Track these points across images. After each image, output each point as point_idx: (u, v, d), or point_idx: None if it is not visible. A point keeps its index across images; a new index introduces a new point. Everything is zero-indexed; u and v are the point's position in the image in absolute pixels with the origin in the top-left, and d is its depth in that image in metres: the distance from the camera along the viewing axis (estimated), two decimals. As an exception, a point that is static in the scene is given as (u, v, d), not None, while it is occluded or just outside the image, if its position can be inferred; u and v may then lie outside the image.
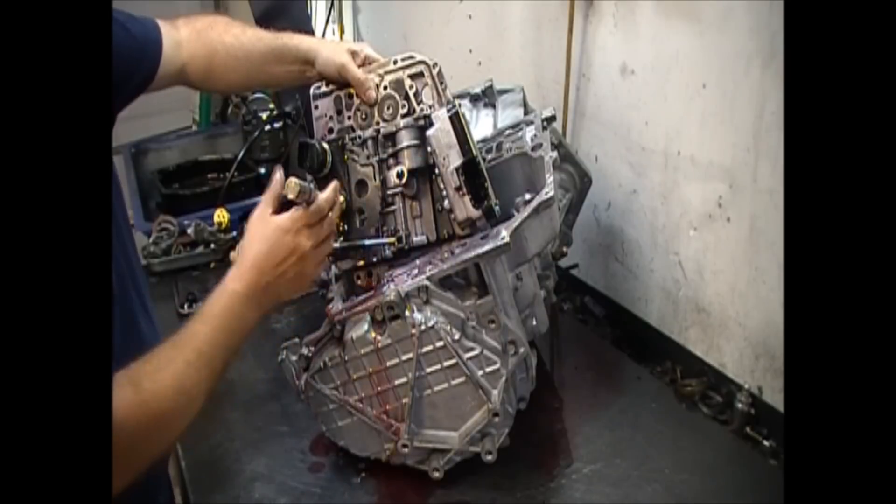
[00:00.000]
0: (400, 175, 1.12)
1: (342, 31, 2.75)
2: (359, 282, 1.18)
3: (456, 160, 1.07)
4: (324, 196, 0.98)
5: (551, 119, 1.28)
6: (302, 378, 1.13)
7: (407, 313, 1.05)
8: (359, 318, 1.08)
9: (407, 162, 1.13)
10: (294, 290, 0.99)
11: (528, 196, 1.13)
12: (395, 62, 1.16)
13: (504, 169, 1.20)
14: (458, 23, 1.96)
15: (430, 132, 1.09)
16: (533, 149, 1.18)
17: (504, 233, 1.02)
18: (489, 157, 1.23)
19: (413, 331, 1.04)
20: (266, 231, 0.94)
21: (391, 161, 1.15)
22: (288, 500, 1.13)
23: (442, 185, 1.10)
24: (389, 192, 1.15)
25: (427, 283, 1.04)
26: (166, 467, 1.19)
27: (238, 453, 1.22)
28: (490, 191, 1.08)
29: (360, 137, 1.16)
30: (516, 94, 1.49)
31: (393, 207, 1.16)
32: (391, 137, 1.15)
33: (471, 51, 1.93)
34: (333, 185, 1.02)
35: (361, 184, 1.15)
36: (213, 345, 0.88)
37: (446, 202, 1.09)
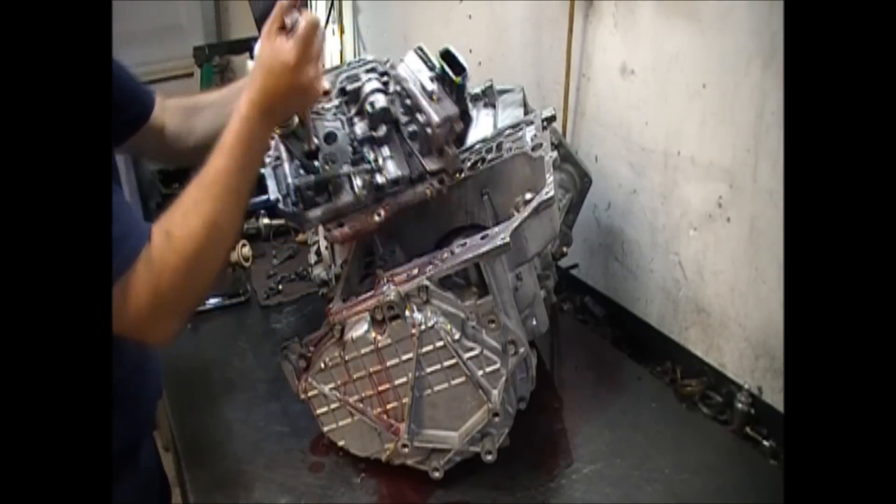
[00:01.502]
0: (370, 113, 1.13)
1: (342, 31, 2.75)
2: (335, 232, 1.13)
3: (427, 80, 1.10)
4: (308, 18, 0.98)
5: (551, 119, 1.28)
6: (302, 378, 1.13)
7: (407, 313, 1.05)
8: (359, 318, 1.08)
9: (374, 104, 1.13)
10: (301, 104, 1.02)
11: (528, 196, 1.13)
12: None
13: (504, 169, 1.20)
14: (458, 23, 1.96)
15: (398, 69, 1.13)
16: (533, 149, 1.18)
17: (504, 233, 1.02)
18: (489, 157, 1.23)
19: (413, 331, 1.04)
20: (271, 52, 0.96)
21: (356, 119, 1.16)
22: (288, 500, 1.13)
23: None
24: (358, 139, 1.14)
25: (427, 283, 1.04)
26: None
27: (238, 453, 1.22)
28: (468, 102, 1.13)
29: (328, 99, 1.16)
30: (516, 94, 1.49)
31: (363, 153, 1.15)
32: (356, 92, 1.16)
33: (471, 51, 1.92)
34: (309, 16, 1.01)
35: (330, 136, 1.13)
36: (235, 174, 0.94)
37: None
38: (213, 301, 1.66)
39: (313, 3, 2.75)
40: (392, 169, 1.13)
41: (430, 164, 1.13)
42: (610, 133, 1.52)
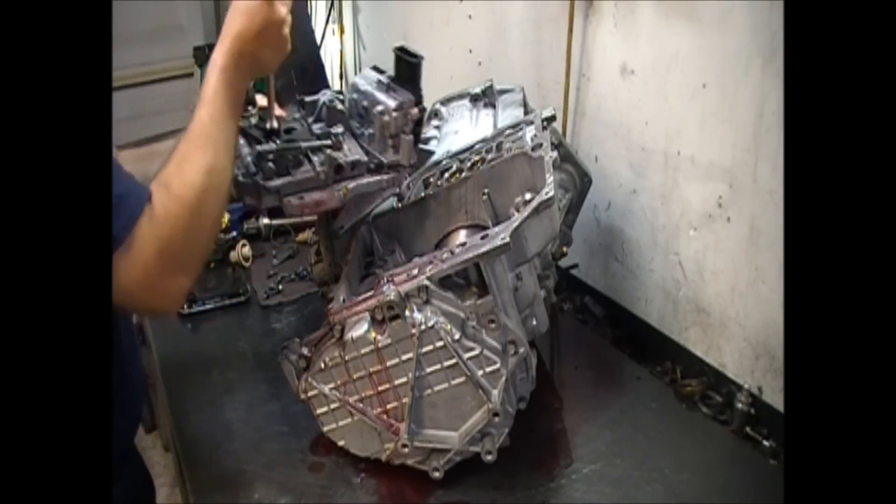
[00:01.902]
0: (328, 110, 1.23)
1: (342, 31, 2.75)
2: (294, 201, 1.16)
3: None
4: None
5: (551, 119, 1.28)
6: (302, 378, 1.13)
7: (407, 313, 1.05)
8: (359, 318, 1.08)
9: (330, 103, 1.23)
10: (275, 56, 1.05)
11: (528, 196, 1.13)
12: None
13: (504, 169, 1.20)
14: (458, 23, 1.96)
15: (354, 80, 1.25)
16: (533, 149, 1.18)
17: (504, 233, 1.02)
18: (489, 157, 1.23)
19: (413, 331, 1.04)
20: (245, 4, 0.99)
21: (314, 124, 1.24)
22: (288, 500, 1.13)
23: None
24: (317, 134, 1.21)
25: (427, 283, 1.04)
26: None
27: (238, 453, 1.22)
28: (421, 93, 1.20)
29: None
30: (516, 94, 1.49)
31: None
32: (314, 103, 1.25)
33: (471, 51, 1.93)
34: None
35: (290, 130, 1.20)
36: (220, 122, 0.97)
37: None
38: (213, 301, 1.67)
39: (313, 3, 2.75)
40: (351, 152, 1.18)
41: (387, 157, 1.18)
42: (610, 133, 1.52)
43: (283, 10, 1.01)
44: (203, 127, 0.96)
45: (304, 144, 1.15)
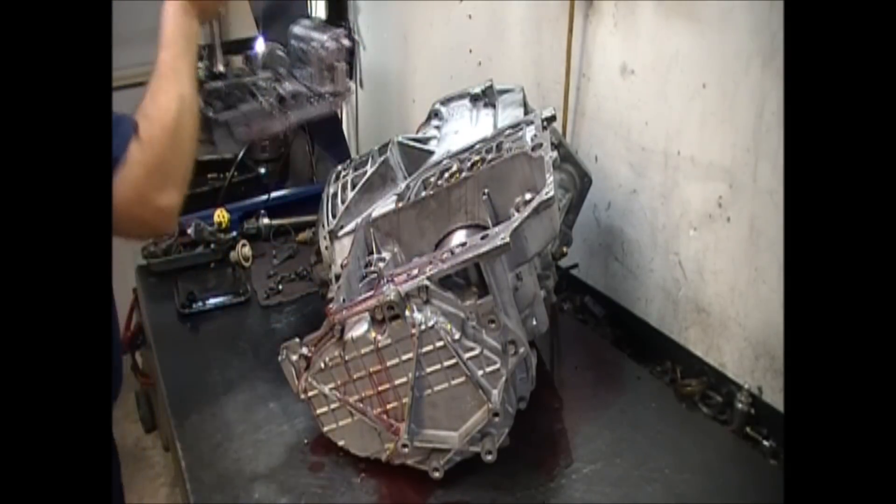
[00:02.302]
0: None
1: (342, 31, 2.75)
2: (242, 128, 1.41)
3: None
4: None
5: (551, 119, 1.28)
6: (302, 378, 1.13)
7: (407, 313, 1.05)
8: (359, 318, 1.08)
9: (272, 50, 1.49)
10: (214, 3, 1.26)
11: (528, 196, 1.13)
12: None
13: (504, 169, 1.20)
14: (458, 23, 1.96)
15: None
16: (533, 149, 1.18)
17: (504, 233, 1.02)
18: (489, 157, 1.23)
19: (413, 331, 1.04)
20: None
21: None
22: (288, 500, 1.13)
23: None
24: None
25: (427, 282, 1.04)
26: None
27: (238, 453, 1.22)
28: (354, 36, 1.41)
29: None
30: (516, 94, 1.49)
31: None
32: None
33: (471, 51, 1.93)
34: None
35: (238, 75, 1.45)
36: (180, 59, 1.15)
37: None
38: (213, 301, 1.67)
39: (313, 3, 2.75)
40: (291, 86, 1.41)
41: (324, 88, 1.42)
42: (610, 133, 1.52)
43: None
44: (168, 64, 1.13)
45: (247, 79, 1.38)
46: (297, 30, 1.48)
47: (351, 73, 1.41)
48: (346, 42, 1.43)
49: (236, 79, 1.35)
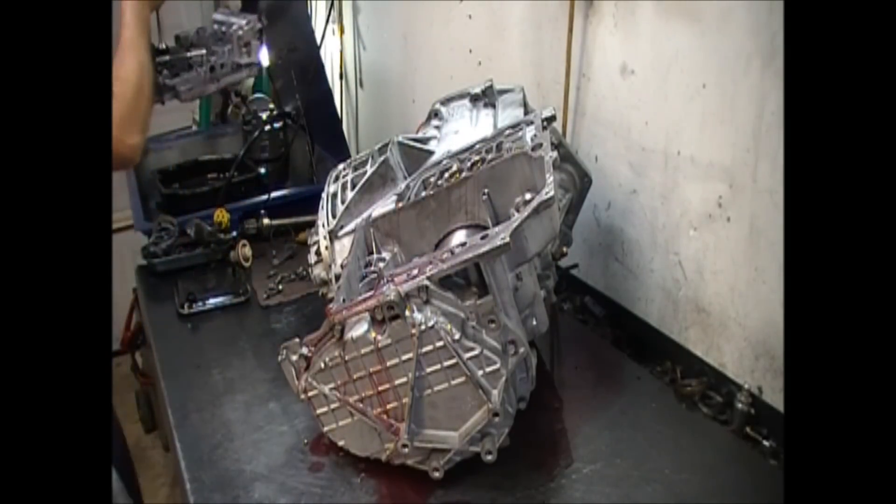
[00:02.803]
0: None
1: (342, 31, 2.75)
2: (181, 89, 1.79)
3: None
4: None
5: (551, 119, 1.28)
6: (302, 378, 1.13)
7: (407, 313, 1.05)
8: (359, 318, 1.08)
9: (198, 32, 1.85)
10: None
11: (528, 196, 1.13)
12: None
13: (504, 169, 1.20)
14: (458, 23, 1.96)
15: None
16: (533, 149, 1.18)
17: (504, 233, 1.02)
18: (489, 157, 1.23)
19: (413, 331, 1.04)
20: None
21: None
22: (288, 500, 1.13)
23: None
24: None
25: (427, 283, 1.04)
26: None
27: (238, 453, 1.22)
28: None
29: None
30: (516, 94, 1.49)
31: None
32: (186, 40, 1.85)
33: (471, 51, 1.93)
34: None
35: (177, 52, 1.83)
36: (139, 37, 1.53)
37: None
38: (213, 301, 1.67)
39: (313, 3, 2.75)
40: (217, 59, 1.82)
41: (243, 60, 1.83)
42: (610, 133, 1.52)
43: None
44: (129, 41, 1.50)
45: (189, 55, 1.78)
46: (217, 16, 1.89)
47: (258, 48, 1.88)
48: (257, 25, 1.83)
49: (176, 54, 1.77)
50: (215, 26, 1.87)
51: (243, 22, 1.82)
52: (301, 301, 1.66)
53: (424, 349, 1.05)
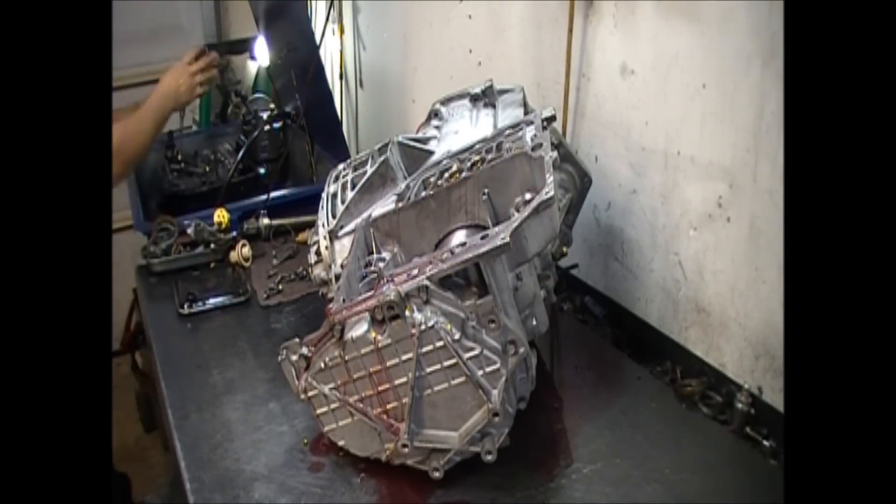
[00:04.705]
0: None
1: (342, 31, 2.75)
2: None
3: None
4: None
5: (551, 119, 1.28)
6: (302, 378, 1.13)
7: (407, 313, 1.05)
8: (359, 318, 1.08)
9: None
10: (183, 91, 1.96)
11: (528, 196, 1.13)
12: None
13: (504, 169, 1.20)
14: (458, 23, 1.96)
15: None
16: (533, 149, 1.18)
17: (504, 233, 1.02)
18: (489, 157, 1.23)
19: (413, 331, 1.04)
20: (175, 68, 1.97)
21: None
22: (288, 500, 1.13)
23: None
24: None
25: (427, 283, 1.04)
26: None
27: (238, 453, 1.22)
28: None
29: None
30: (516, 94, 1.49)
31: None
32: None
33: (471, 51, 1.92)
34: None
35: None
36: (150, 118, 1.90)
37: None
38: (213, 301, 1.67)
39: (313, 3, 2.75)
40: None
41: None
42: (610, 133, 1.52)
43: (192, 68, 1.98)
44: (143, 114, 1.88)
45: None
46: None
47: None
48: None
49: None
50: None
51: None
52: (301, 301, 1.66)
53: (424, 349, 1.05)
